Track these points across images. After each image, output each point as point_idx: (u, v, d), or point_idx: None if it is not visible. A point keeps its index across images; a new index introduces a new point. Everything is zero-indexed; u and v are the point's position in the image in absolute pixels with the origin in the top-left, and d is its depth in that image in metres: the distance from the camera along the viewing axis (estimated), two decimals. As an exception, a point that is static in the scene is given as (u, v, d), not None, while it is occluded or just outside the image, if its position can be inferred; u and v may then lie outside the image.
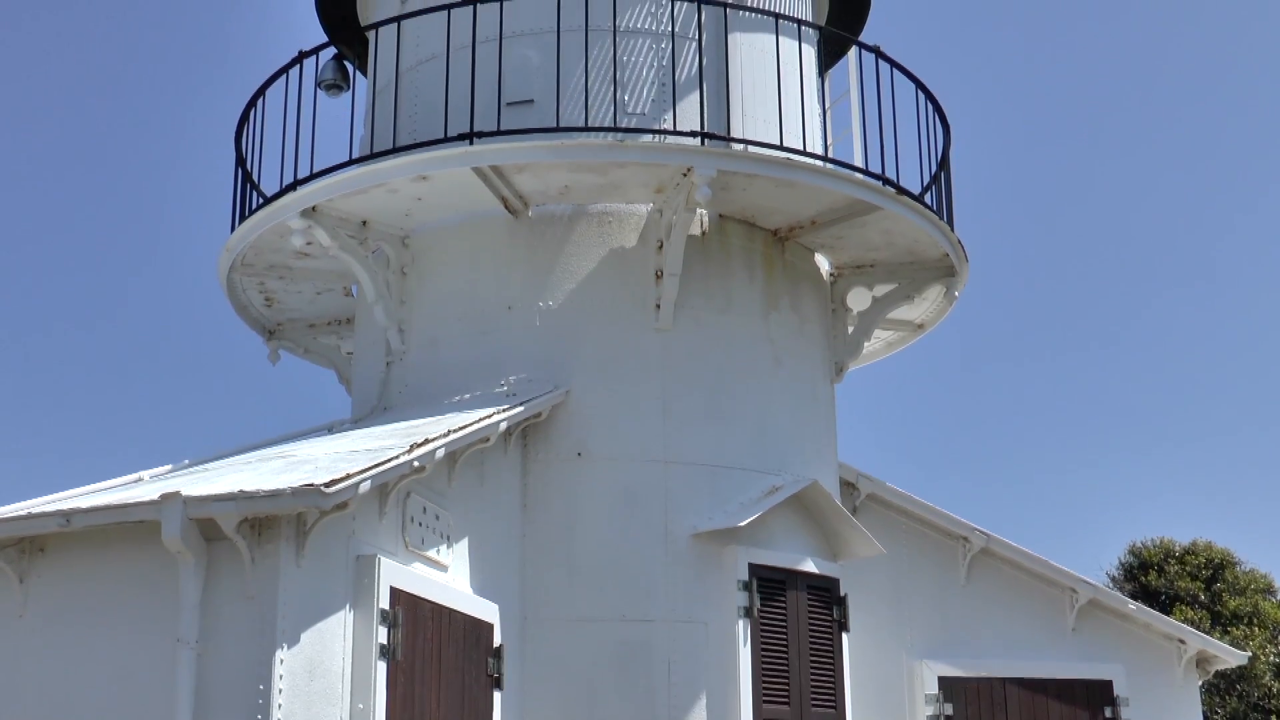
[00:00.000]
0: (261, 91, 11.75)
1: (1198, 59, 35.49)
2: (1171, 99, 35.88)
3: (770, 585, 10.50)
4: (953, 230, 11.71)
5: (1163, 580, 24.10)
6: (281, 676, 7.52)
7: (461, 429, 9.18)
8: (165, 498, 7.39)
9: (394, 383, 11.07)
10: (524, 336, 10.69)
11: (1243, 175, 35.40)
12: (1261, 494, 34.36)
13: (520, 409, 9.95)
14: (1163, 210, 35.80)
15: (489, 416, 9.59)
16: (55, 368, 30.67)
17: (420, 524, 8.99)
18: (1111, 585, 23.69)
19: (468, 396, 10.46)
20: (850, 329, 12.07)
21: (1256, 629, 23.15)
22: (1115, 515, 34.17)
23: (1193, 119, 35.63)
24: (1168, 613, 21.44)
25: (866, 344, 12.27)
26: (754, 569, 10.43)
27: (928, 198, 11.69)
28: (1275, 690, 22.70)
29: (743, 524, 10.26)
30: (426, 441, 8.72)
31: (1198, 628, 18.60)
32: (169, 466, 10.01)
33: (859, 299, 12.09)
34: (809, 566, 10.78)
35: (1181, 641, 12.84)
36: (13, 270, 31.09)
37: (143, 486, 8.93)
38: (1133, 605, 12.85)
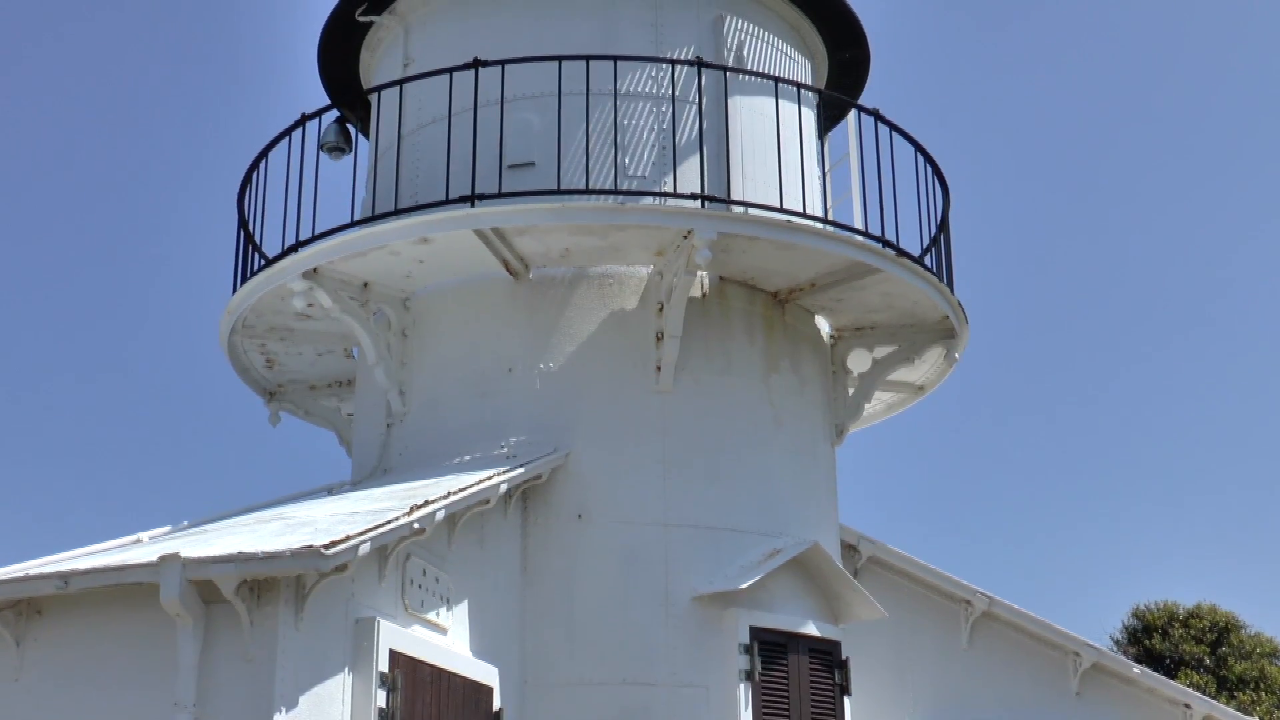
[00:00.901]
0: (264, 154, 11.81)
1: (1194, 120, 35.69)
2: (1169, 157, 36.06)
3: (771, 648, 10.44)
4: (952, 292, 11.73)
5: (1167, 644, 23.95)
6: (279, 740, 7.46)
7: (461, 491, 9.16)
8: (164, 559, 7.36)
9: (394, 444, 11.06)
10: (524, 398, 10.69)
11: (1241, 230, 35.52)
12: (1266, 557, 34.24)
13: (520, 471, 9.94)
14: (1163, 270, 35.89)
15: (489, 478, 9.57)
16: (54, 427, 30.66)
17: (420, 586, 8.96)
18: (1115, 649, 23.55)
19: (468, 458, 10.44)
20: (850, 391, 12.07)
21: (1263, 694, 22.98)
22: (1118, 578, 34.04)
23: (1189, 175, 35.79)
24: (1173, 677, 21.31)
25: (867, 406, 12.26)
26: (755, 632, 10.38)
27: (927, 260, 11.72)
28: (1282, 756, 22.53)
29: (743, 587, 10.21)
30: (426, 503, 8.69)
31: (1203, 693, 18.47)
32: (168, 528, 9.98)
33: (859, 361, 12.09)
34: (810, 630, 10.72)
35: (1187, 706, 12.75)
36: (13, 329, 31.15)
37: (141, 548, 8.90)
38: (1138, 669, 12.78)
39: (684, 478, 10.58)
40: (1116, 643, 24.55)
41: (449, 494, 9.01)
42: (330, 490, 10.79)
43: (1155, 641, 24.04)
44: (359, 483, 10.92)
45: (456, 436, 10.71)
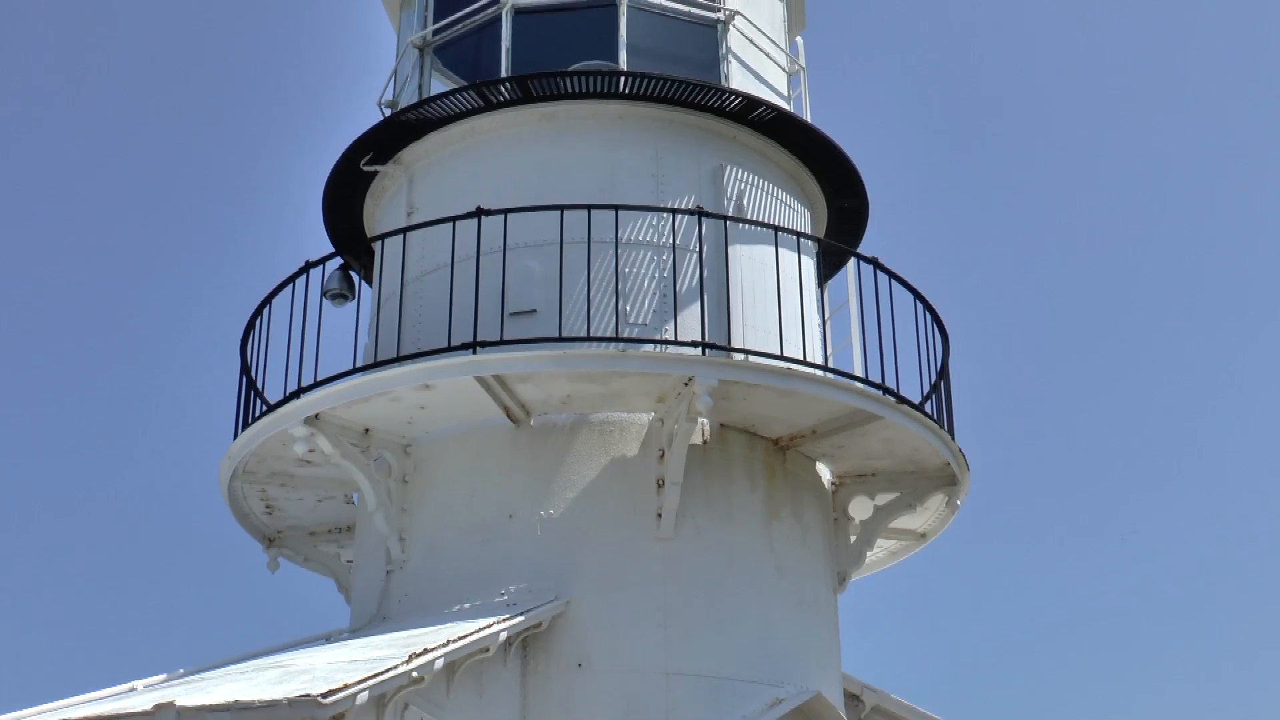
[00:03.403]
0: (268, 300, 11.90)
1: (1195, 263, 35.99)
2: (1171, 304, 36.32)
3: (774, 801, 10.27)
4: (954, 439, 11.75)
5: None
6: None
7: (461, 639, 9.10)
8: (159, 708, 7.29)
9: (393, 591, 11.00)
10: (525, 545, 10.65)
11: (1246, 379, 35.61)
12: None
13: (520, 619, 9.87)
14: (1167, 415, 35.93)
15: (489, 626, 9.51)
16: (49, 571, 30.46)
17: (418, 736, 8.85)
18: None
19: (468, 606, 10.38)
20: (853, 538, 12.02)
21: None
22: (1127, 728, 33.56)
23: (1192, 319, 36.00)
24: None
25: (869, 553, 12.21)
26: (757, 784, 10.22)
27: (928, 407, 11.75)
28: None
29: (746, 737, 10.09)
30: (425, 651, 8.63)
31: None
32: (163, 676, 9.88)
33: (861, 508, 12.06)
34: (813, 782, 10.56)
35: None
36: (13, 469, 31.11)
37: (136, 696, 8.81)
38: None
39: (685, 626, 10.50)
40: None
41: (448, 642, 8.95)
42: (329, 638, 10.71)
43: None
44: (358, 630, 10.84)
45: (456, 583, 10.65)
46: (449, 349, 10.73)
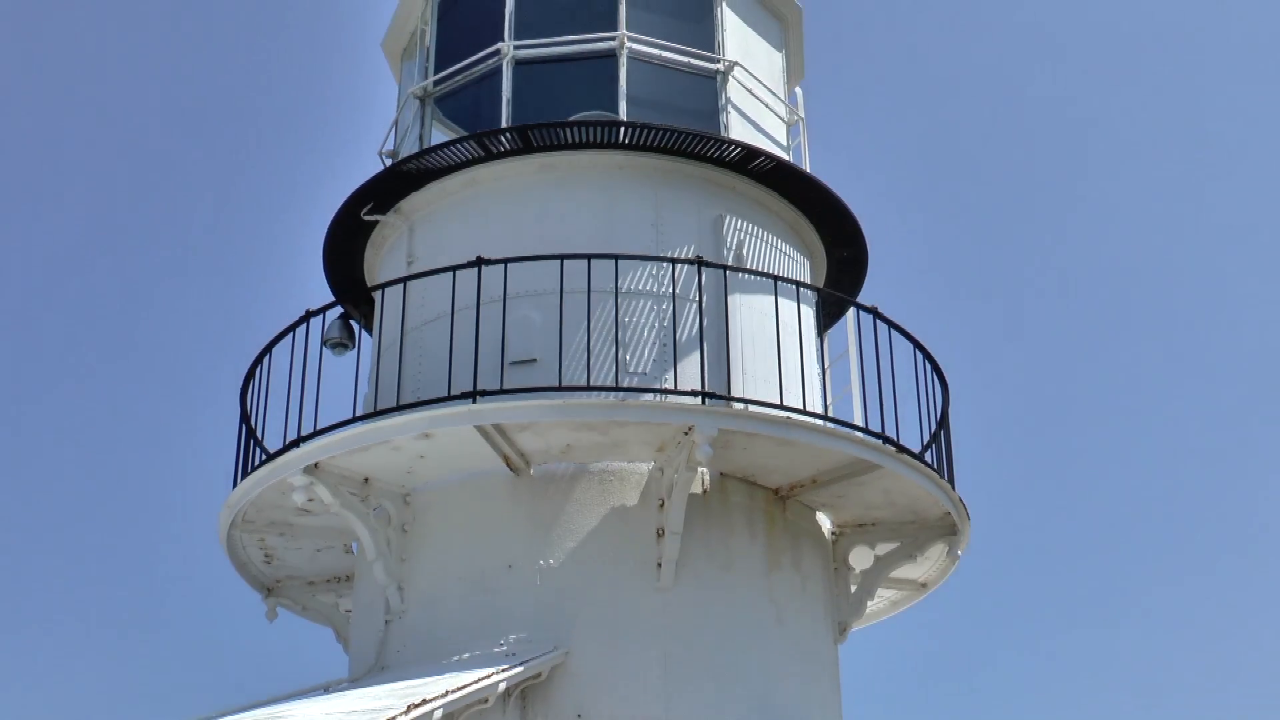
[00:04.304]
0: (268, 349, 11.90)
1: (1200, 309, 36.02)
2: (1176, 352, 36.33)
3: None
4: (954, 489, 11.73)
5: None
6: None
7: (459, 689, 9.06)
8: (156, 761, 7.25)
9: (392, 641, 10.96)
10: (524, 595, 10.62)
11: (1250, 427, 35.56)
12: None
13: (520, 669, 9.83)
14: (1170, 466, 35.88)
15: (488, 677, 9.47)
16: (46, 622, 30.36)
17: (416, 788, 8.79)
18: None
19: (466, 656, 10.34)
20: (853, 588, 11.99)
21: None
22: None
23: (1196, 369, 35.99)
24: None
25: (870, 603, 12.18)
26: (757, 836, 10.16)
27: (928, 456, 11.74)
28: None
29: (746, 789, 10.03)
30: (424, 702, 8.60)
31: None
32: (162, 727, 9.83)
33: (861, 558, 12.04)
34: (814, 834, 10.50)
35: None
36: (9, 518, 31.05)
37: (134, 748, 8.76)
38: None
39: (685, 676, 10.46)
40: None
41: (447, 692, 8.91)
42: (327, 688, 10.66)
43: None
44: (356, 680, 10.79)
45: (455, 633, 10.62)
46: (449, 398, 10.73)
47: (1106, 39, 34.68)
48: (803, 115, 14.14)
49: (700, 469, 10.68)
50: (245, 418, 12.04)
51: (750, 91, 13.26)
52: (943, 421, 12.15)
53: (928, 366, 12.10)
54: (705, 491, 11.03)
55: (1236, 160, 34.22)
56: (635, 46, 12.76)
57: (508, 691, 9.86)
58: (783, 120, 13.79)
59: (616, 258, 11.21)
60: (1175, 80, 35.02)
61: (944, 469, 11.80)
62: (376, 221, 12.87)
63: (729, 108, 12.94)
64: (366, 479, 11.05)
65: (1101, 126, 34.79)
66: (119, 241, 33.51)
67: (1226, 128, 34.37)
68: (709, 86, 13.06)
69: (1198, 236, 34.65)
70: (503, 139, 12.23)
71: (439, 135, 13.28)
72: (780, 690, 10.82)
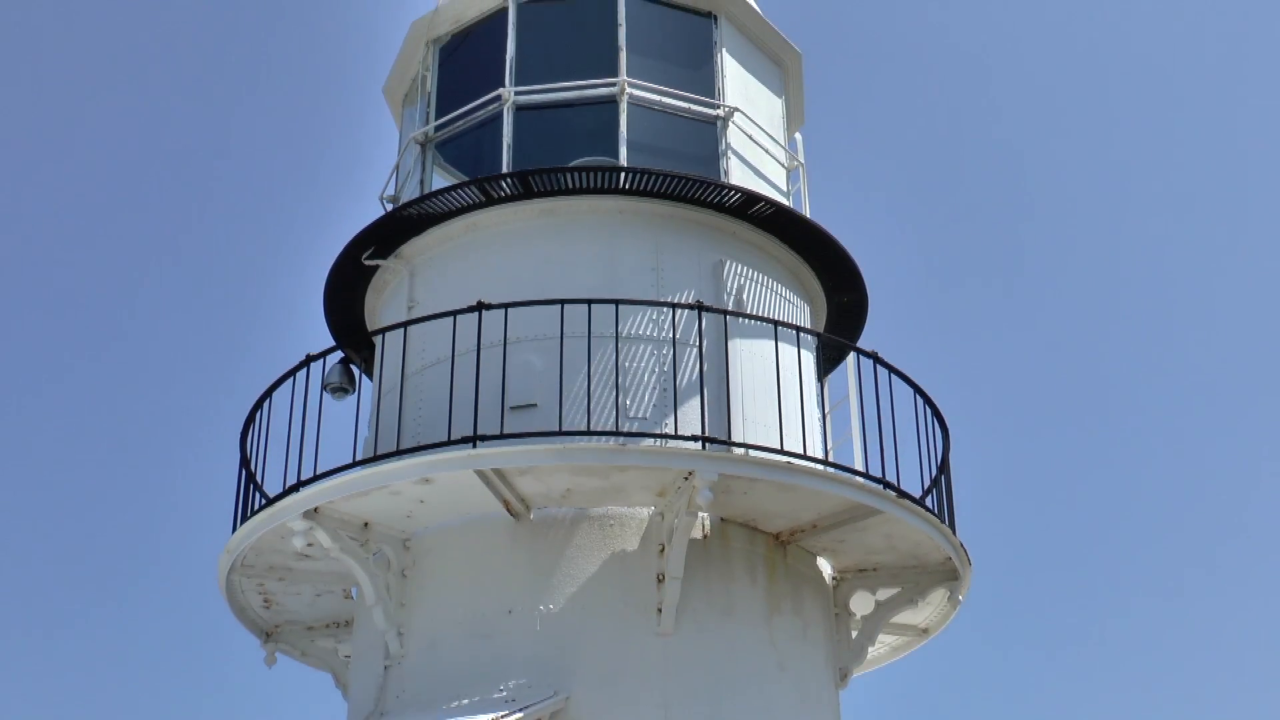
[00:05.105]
0: (269, 393, 11.89)
1: (1198, 350, 36.01)
2: (1175, 394, 36.30)
3: None
4: (954, 533, 11.70)
5: None
6: None
7: (459, 736, 9.01)
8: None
9: (391, 687, 10.91)
10: (524, 641, 10.58)
11: (1253, 464, 35.49)
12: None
13: (519, 715, 9.79)
14: (1172, 503, 35.79)
15: (487, 723, 9.42)
16: (43, 665, 30.24)
17: (415, 836, 8.74)
18: None
19: (466, 702, 10.29)
20: (854, 633, 11.95)
21: None
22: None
23: (1197, 404, 35.96)
24: None
25: (871, 649, 12.13)
26: None
27: (929, 501, 11.72)
28: None
29: (746, 837, 9.97)
30: (423, 749, 8.54)
31: None
32: (159, 774, 9.78)
33: (862, 603, 12.00)
34: None
35: None
36: (9, 561, 30.97)
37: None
38: None
39: (685, 723, 10.40)
40: None
41: (446, 739, 8.86)
42: (325, 734, 10.61)
43: None
44: (355, 727, 10.74)
45: (455, 679, 10.57)
46: (449, 443, 10.72)
47: (1104, 85, 34.84)
48: (803, 160, 14.18)
49: (701, 514, 10.65)
50: (245, 462, 12.02)
51: (750, 137, 13.31)
52: (943, 466, 12.13)
53: (928, 411, 12.10)
54: (706, 536, 11.00)
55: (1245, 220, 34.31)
56: (636, 93, 12.81)
57: (507, 738, 9.82)
58: (783, 165, 13.83)
59: (617, 303, 11.22)
60: (1170, 125, 35.16)
61: (945, 514, 11.78)
62: (377, 266, 12.89)
63: (729, 153, 12.99)
64: (366, 523, 11.03)
65: (1103, 177, 34.92)
66: (121, 285, 33.56)
67: (1224, 170, 34.49)
68: (709, 132, 13.10)
69: (1208, 286, 34.70)
70: (503, 184, 12.27)
71: (440, 180, 13.32)
72: (781, 737, 10.76)
